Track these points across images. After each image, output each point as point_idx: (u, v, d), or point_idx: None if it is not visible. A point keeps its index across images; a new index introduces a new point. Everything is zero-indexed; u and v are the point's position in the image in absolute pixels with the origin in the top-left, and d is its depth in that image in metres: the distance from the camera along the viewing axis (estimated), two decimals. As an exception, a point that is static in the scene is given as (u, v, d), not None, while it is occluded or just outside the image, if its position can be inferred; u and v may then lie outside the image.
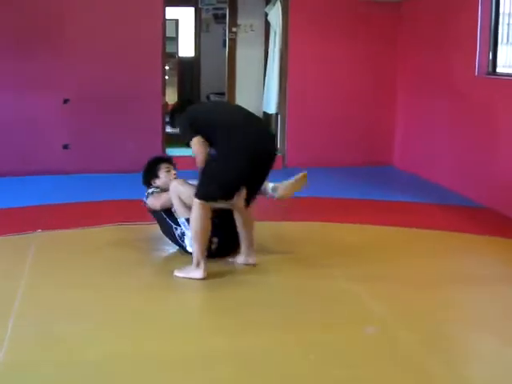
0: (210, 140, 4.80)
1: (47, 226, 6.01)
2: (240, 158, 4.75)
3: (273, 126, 9.70)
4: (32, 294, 4.55)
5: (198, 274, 4.83)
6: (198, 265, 4.84)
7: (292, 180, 5.38)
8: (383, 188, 7.90)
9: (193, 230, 4.83)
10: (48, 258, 5.28)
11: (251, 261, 5.12)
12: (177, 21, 13.64)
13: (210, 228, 4.83)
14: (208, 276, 4.84)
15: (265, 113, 9.75)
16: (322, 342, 3.92)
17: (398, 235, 6.06)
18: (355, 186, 8.00)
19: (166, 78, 12.87)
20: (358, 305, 4.47)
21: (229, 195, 4.84)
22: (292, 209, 6.98)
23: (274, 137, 4.99)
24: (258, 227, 5.93)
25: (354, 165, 9.02)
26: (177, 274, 4.91)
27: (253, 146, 4.80)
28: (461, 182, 7.61)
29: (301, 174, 5.40)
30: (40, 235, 5.80)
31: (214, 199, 4.79)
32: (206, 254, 4.85)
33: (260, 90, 9.83)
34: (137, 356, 3.72)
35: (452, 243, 5.85)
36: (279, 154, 9.14)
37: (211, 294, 4.72)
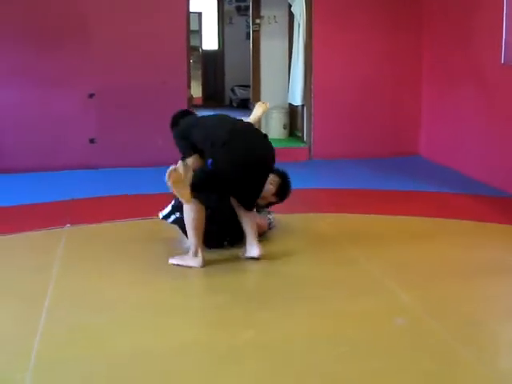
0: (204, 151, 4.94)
1: (76, 221, 6.05)
2: (229, 170, 4.85)
3: (299, 117, 9.71)
4: (63, 287, 4.57)
5: (195, 262, 4.91)
6: (195, 254, 4.91)
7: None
8: (410, 178, 7.85)
9: (187, 220, 4.91)
10: (78, 251, 5.32)
11: (253, 253, 5.04)
12: (200, 13, 13.64)
13: (203, 217, 4.89)
14: (236, 269, 4.88)
15: (290, 104, 9.75)
16: (351, 333, 3.90)
17: (427, 225, 6.01)
18: (382, 177, 7.96)
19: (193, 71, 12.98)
20: (388, 295, 4.44)
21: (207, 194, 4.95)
22: (319, 200, 6.99)
23: (268, 144, 5.07)
24: (284, 219, 5.94)
25: (381, 156, 8.97)
26: (173, 261, 4.98)
27: (243, 159, 4.86)
28: (488, 171, 7.54)
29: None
30: (69, 230, 5.84)
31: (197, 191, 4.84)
32: (202, 243, 4.93)
33: (285, 81, 9.82)
34: (165, 349, 3.73)
35: (484, 233, 5.80)
36: (305, 146, 9.15)
37: (239, 286, 4.72)
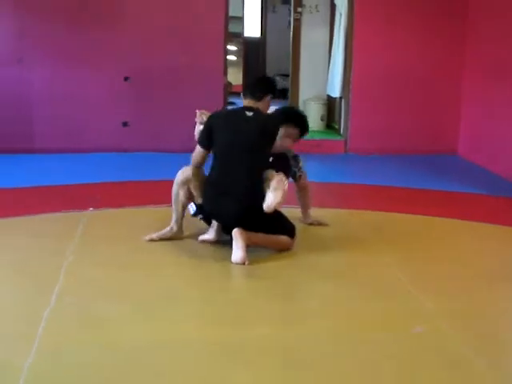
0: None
1: (99, 205, 5.95)
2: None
3: (336, 109, 9.52)
4: (76, 272, 4.48)
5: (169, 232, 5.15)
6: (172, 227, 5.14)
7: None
8: (447, 178, 7.64)
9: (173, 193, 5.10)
10: (95, 236, 5.22)
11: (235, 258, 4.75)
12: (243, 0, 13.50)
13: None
14: (254, 263, 4.70)
15: (329, 96, 9.57)
16: (367, 335, 3.77)
17: (459, 228, 5.79)
18: (417, 176, 7.76)
19: (234, 58, 12.83)
20: (411, 300, 4.26)
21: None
22: (351, 196, 6.81)
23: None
24: (314, 213, 5.77)
25: (418, 153, 8.77)
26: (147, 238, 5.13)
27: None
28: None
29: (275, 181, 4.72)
30: (90, 213, 5.74)
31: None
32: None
33: (324, 72, 9.63)
34: (174, 342, 3.61)
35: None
36: (341, 139, 8.97)
37: (258, 281, 4.54)
